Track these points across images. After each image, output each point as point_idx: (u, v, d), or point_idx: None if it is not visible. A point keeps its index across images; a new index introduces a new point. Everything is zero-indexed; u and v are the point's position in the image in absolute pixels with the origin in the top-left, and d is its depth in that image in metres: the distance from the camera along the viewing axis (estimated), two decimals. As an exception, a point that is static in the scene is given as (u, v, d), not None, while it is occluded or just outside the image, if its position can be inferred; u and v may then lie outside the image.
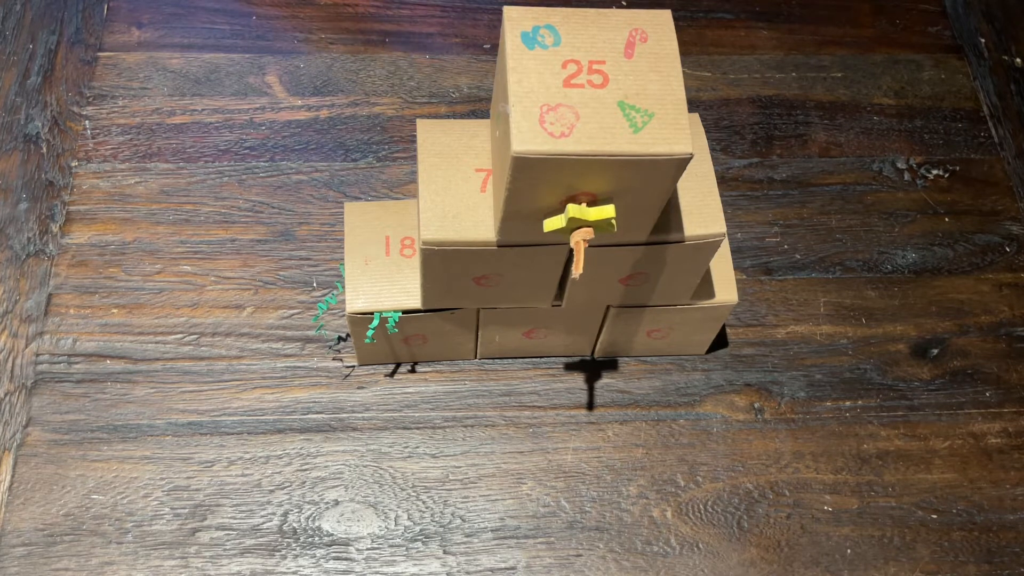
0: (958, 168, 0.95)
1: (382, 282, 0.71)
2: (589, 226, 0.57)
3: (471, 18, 1.00)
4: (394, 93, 0.94)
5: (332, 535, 0.72)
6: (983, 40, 1.03)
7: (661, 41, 0.56)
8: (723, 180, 0.91)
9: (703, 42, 1.00)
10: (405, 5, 1.00)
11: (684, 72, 0.79)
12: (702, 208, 0.65)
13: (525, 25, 0.56)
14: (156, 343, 0.79)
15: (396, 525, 0.73)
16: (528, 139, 0.53)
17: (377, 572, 0.71)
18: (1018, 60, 1.02)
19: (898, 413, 0.81)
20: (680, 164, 0.55)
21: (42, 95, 0.91)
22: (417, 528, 0.73)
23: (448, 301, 0.70)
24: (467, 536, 0.73)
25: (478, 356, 0.80)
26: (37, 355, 0.78)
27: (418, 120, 0.66)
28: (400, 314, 0.70)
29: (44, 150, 0.88)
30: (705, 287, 0.73)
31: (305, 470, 0.75)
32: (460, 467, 0.76)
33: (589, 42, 0.56)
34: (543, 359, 0.81)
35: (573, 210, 0.56)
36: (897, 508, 0.76)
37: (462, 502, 0.74)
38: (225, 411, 0.77)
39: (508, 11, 0.56)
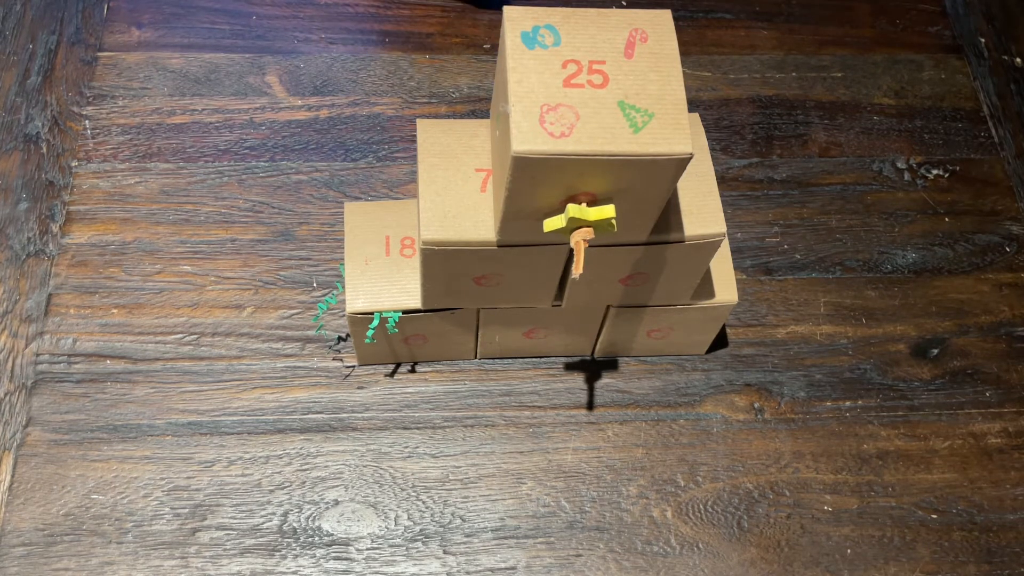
0: (958, 168, 0.95)
1: (382, 282, 0.71)
2: (589, 226, 0.57)
3: (471, 18, 1.00)
4: (394, 93, 0.94)
5: (332, 535, 0.72)
6: (983, 40, 1.03)
7: (661, 41, 0.56)
8: (723, 180, 0.91)
9: (703, 42, 1.00)
10: (405, 5, 1.00)
11: (684, 72, 0.79)
12: (702, 208, 0.65)
13: (525, 25, 0.56)
14: (156, 343, 0.79)
15: (396, 525, 0.73)
16: (528, 139, 0.53)
17: (377, 572, 0.71)
18: (1018, 60, 1.02)
19: (898, 413, 0.81)
20: (680, 164, 0.55)
21: (42, 95, 0.91)
22: (417, 528, 0.73)
23: (448, 301, 0.70)
24: (467, 536, 0.73)
25: (478, 356, 0.80)
26: (37, 355, 0.78)
27: (418, 120, 0.66)
28: (400, 314, 0.70)
29: (44, 150, 0.88)
30: (705, 287, 0.73)
31: (305, 470, 0.75)
32: (460, 467, 0.76)
33: (589, 42, 0.56)
34: (543, 359, 0.81)
35: (573, 210, 0.56)
36: (897, 508, 0.76)
37: (462, 502, 0.74)
38: (225, 411, 0.77)
39: (508, 11, 0.56)
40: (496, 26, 1.00)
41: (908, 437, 0.80)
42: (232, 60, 0.95)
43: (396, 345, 0.76)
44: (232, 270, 0.83)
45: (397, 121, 0.92)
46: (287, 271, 0.84)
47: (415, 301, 0.70)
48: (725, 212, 0.84)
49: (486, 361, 0.80)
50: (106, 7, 0.97)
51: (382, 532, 0.73)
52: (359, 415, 0.77)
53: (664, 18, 0.57)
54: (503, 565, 0.72)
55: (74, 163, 0.88)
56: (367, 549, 0.72)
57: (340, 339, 0.80)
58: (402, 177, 0.89)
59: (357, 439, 0.76)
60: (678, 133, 0.54)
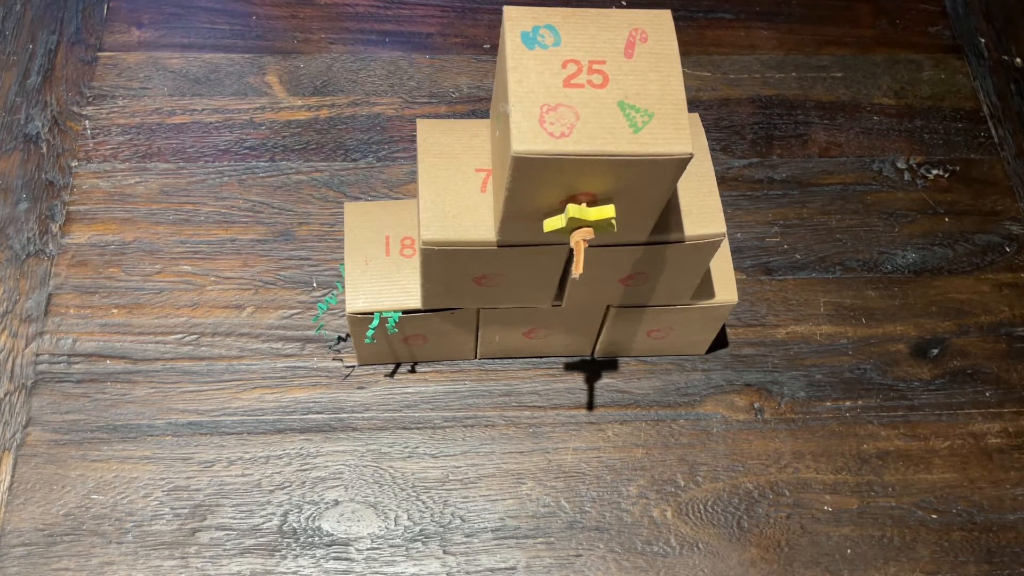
0: (958, 168, 0.95)
1: (382, 282, 0.71)
2: (589, 226, 0.57)
3: (471, 18, 1.00)
4: (394, 93, 0.94)
5: (332, 535, 0.72)
6: (983, 40, 1.03)
7: (661, 41, 0.56)
8: (723, 180, 0.91)
9: (703, 42, 1.00)
10: (405, 5, 1.00)
11: (684, 72, 0.79)
12: (702, 208, 0.65)
13: (525, 25, 0.56)
14: (156, 343, 0.79)
15: (396, 525, 0.73)
16: (528, 139, 0.53)
17: (377, 572, 0.71)
18: (1018, 60, 1.02)
19: (898, 413, 0.81)
20: (680, 164, 0.55)
21: (42, 95, 0.91)
22: (417, 528, 0.73)
23: (448, 301, 0.70)
24: (467, 536, 0.73)
25: (478, 356, 0.80)
26: (37, 355, 0.78)
27: (418, 120, 0.66)
28: (400, 314, 0.70)
29: (44, 150, 0.88)
30: (705, 287, 0.73)
31: (305, 470, 0.75)
32: (460, 467, 0.76)
33: (589, 42, 0.56)
34: (543, 359, 0.81)
35: (573, 210, 0.56)
36: (897, 508, 0.76)
37: (462, 502, 0.74)
38: (225, 411, 0.77)
39: (508, 11, 0.56)
40: (496, 26, 1.00)
41: (908, 437, 0.80)
42: (232, 60, 0.95)
43: (396, 345, 0.76)
44: (232, 270, 0.83)
45: (397, 121, 0.92)
46: (287, 271, 0.84)
47: (415, 301, 0.70)
48: (725, 212, 0.83)
49: (486, 361, 0.80)
50: (106, 7, 0.97)
51: (382, 532, 0.73)
52: (359, 415, 0.77)
53: (664, 18, 0.57)
54: (503, 565, 0.72)
55: (74, 163, 0.88)
56: (367, 549, 0.72)
57: (340, 339, 0.80)
58: (402, 177, 0.89)
59: (357, 439, 0.76)
60: (678, 133, 0.54)
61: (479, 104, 0.94)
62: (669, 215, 0.64)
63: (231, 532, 0.72)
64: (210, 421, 0.76)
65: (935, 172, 0.94)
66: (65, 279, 0.82)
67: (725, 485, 0.76)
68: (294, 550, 0.72)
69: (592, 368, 0.81)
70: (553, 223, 0.57)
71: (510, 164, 0.54)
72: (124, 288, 0.82)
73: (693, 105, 0.95)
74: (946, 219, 0.91)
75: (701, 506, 0.75)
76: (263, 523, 0.73)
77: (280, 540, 0.72)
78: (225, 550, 0.71)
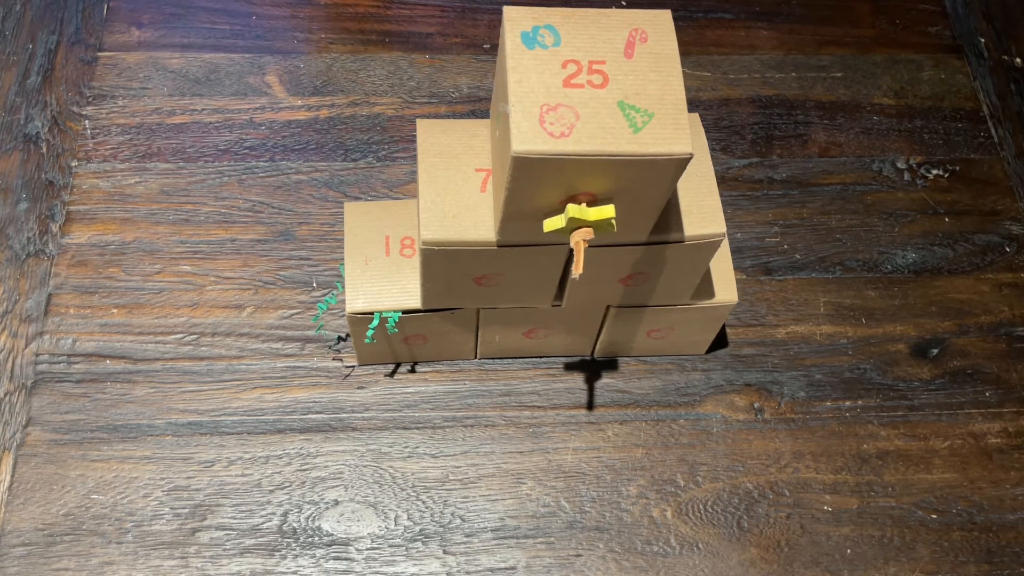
0: (958, 168, 0.95)
1: (382, 282, 0.71)
2: (589, 226, 0.57)
3: (471, 18, 1.00)
4: (394, 93, 0.94)
5: (332, 535, 0.72)
6: (983, 40, 1.03)
7: (661, 41, 0.56)
8: (723, 180, 0.91)
9: (703, 42, 1.00)
10: (405, 5, 1.00)
11: (684, 72, 0.79)
12: (702, 208, 0.65)
13: (525, 25, 0.56)
14: (156, 343, 0.79)
15: (396, 525, 0.73)
16: (528, 139, 0.53)
17: (377, 572, 0.71)
18: (1018, 60, 1.02)
19: (898, 413, 0.81)
20: (680, 164, 0.55)
21: (42, 95, 0.91)
22: (417, 528, 0.73)
23: (448, 301, 0.70)
24: (467, 536, 0.73)
25: (478, 356, 0.80)
26: (37, 355, 0.78)
27: (418, 120, 0.66)
28: (400, 314, 0.70)
29: (44, 150, 0.88)
30: (705, 287, 0.73)
31: (305, 470, 0.75)
32: (460, 467, 0.76)
33: (589, 42, 0.56)
34: (543, 359, 0.81)
35: (573, 210, 0.56)
36: (897, 508, 0.76)
37: (462, 502, 0.74)
38: (225, 411, 0.77)
39: (508, 11, 0.56)
40: (496, 26, 1.00)
41: (908, 437, 0.80)
42: (232, 60, 0.95)
43: (396, 345, 0.76)
44: (232, 270, 0.83)
45: (397, 121, 0.92)
46: (287, 271, 0.84)
47: (415, 301, 0.70)
48: (725, 212, 0.84)
49: (486, 361, 0.80)
50: (106, 7, 0.97)
51: (382, 532, 0.73)
52: (359, 415, 0.77)
53: (664, 18, 0.57)
54: (503, 565, 0.72)
55: (74, 163, 0.88)
56: (367, 549, 0.72)
57: (340, 339, 0.81)
58: (402, 177, 0.89)
59: (357, 439, 0.76)
60: (678, 133, 0.54)
61: (479, 104, 0.94)
62: (669, 215, 0.64)
63: (231, 532, 0.72)
64: (210, 421, 0.76)
65: (935, 172, 0.94)
66: (65, 279, 0.82)
67: (725, 485, 0.76)
68: (294, 550, 0.72)
69: (592, 368, 0.81)
70: (553, 223, 0.57)
71: (510, 164, 0.54)
72: (124, 288, 0.82)
73: (693, 105, 0.95)
74: (946, 219, 0.91)
75: (701, 506, 0.75)
76: (263, 523, 0.73)
77: (280, 540, 0.72)
78: (225, 550, 0.71)
